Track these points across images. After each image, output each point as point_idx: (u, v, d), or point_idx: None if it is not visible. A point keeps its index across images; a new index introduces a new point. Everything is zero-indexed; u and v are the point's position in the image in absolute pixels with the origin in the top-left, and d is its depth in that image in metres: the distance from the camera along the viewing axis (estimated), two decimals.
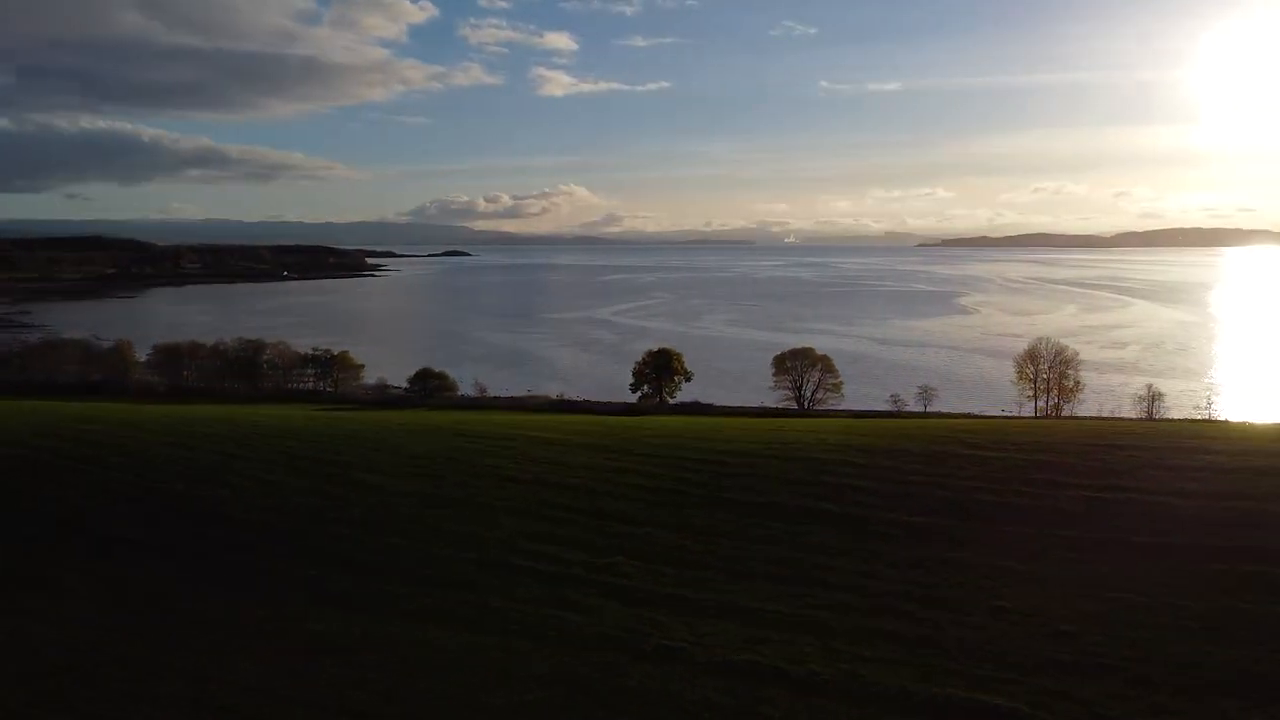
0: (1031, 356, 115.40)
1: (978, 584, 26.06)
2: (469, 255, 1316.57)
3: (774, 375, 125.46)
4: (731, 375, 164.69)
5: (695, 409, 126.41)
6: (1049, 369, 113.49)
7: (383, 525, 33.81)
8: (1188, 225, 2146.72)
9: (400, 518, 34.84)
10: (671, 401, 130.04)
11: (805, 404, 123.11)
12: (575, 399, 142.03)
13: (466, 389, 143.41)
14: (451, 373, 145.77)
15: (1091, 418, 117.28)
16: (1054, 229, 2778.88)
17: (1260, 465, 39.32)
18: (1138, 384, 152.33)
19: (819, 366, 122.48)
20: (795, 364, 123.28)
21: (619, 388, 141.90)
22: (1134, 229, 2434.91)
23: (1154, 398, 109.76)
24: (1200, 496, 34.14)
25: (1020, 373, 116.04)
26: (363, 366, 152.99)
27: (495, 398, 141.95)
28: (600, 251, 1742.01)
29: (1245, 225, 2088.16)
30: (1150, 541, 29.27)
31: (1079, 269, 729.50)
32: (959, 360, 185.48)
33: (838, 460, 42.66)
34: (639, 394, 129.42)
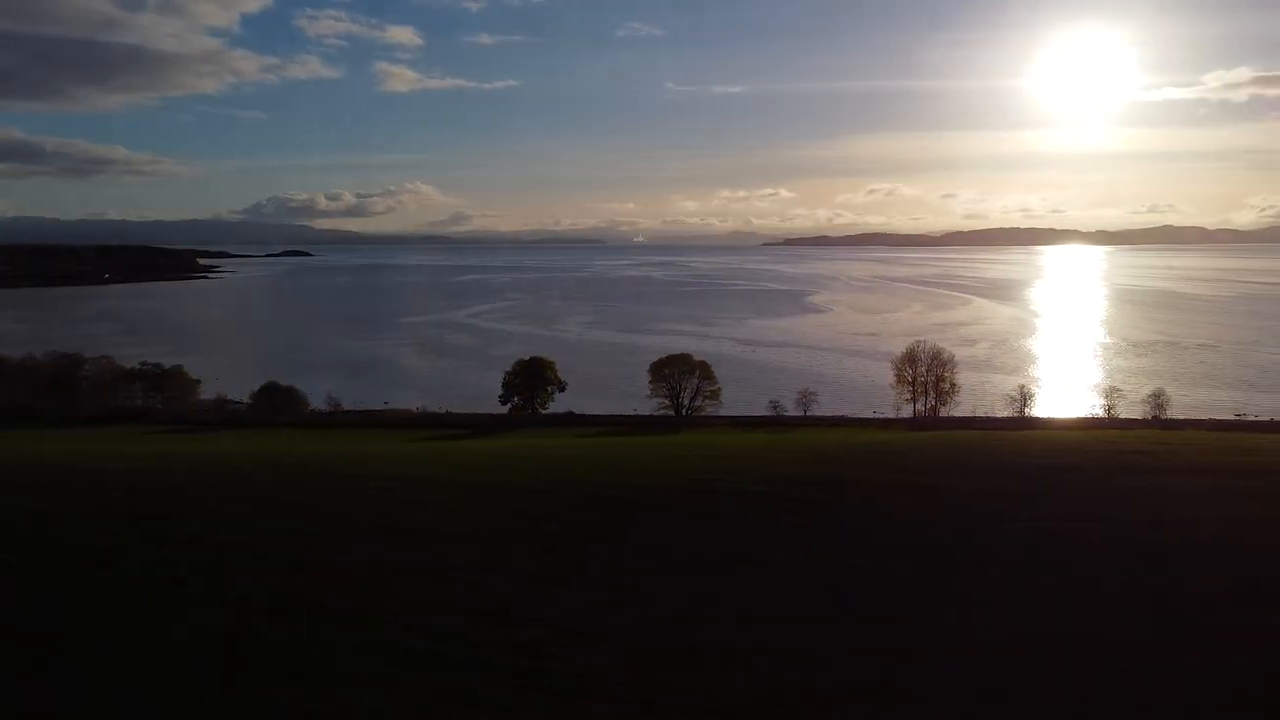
0: (910, 359, 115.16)
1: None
2: (310, 255, 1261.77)
3: (651, 383, 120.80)
4: (601, 381, 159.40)
5: (569, 420, 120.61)
6: (927, 371, 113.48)
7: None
8: (1008, 225, 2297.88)
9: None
10: (544, 412, 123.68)
11: (684, 412, 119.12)
12: (439, 411, 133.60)
13: (318, 403, 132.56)
14: (300, 386, 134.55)
15: (966, 418, 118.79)
16: (888, 228, 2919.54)
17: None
18: (999, 382, 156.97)
19: (697, 373, 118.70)
20: (672, 371, 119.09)
21: (487, 398, 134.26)
22: (961, 229, 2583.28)
23: (1025, 398, 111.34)
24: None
25: (899, 376, 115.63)
26: (198, 382, 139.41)
27: (350, 412, 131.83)
28: (450, 251, 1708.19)
29: (1058, 226, 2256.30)
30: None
31: (915, 267, 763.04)
32: (825, 361, 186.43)
33: (773, 495, 37.68)
34: (509, 405, 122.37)
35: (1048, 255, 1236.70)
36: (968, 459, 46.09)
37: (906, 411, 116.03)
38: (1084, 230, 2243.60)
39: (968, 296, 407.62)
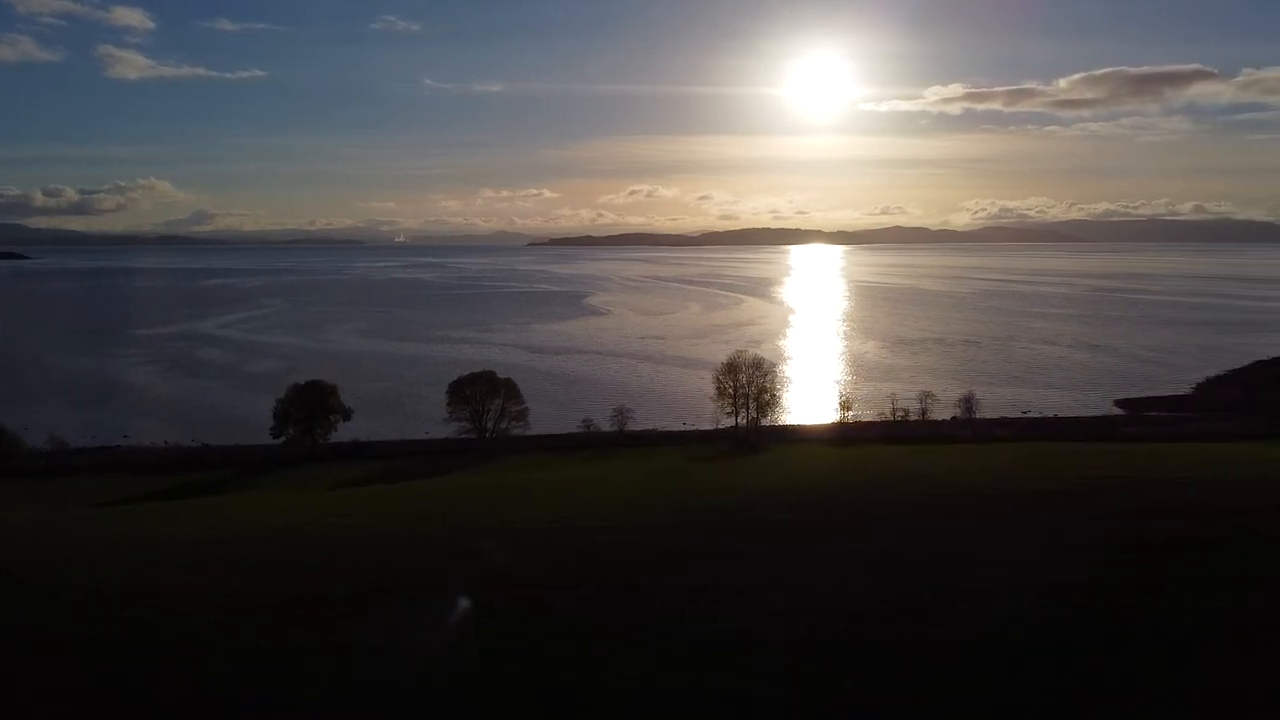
0: (730, 369, 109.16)
1: None
2: (25, 258, 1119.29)
3: (449, 405, 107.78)
4: (386, 401, 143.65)
5: (354, 450, 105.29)
6: (748, 382, 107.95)
7: None
8: (759, 226, 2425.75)
9: None
10: (325, 443, 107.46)
11: (488, 435, 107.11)
12: (192, 444, 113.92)
13: (37, 442, 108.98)
14: (9, 422, 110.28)
15: (791, 426, 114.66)
16: (649, 229, 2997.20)
17: None
18: (808, 387, 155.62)
19: (502, 393, 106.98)
20: (474, 391, 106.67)
21: (250, 427, 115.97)
22: (716, 229, 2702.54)
23: (845, 406, 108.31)
24: None
25: (720, 389, 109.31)
26: None
27: (82, 452, 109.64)
28: (192, 253, 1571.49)
29: (803, 226, 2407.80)
30: None
31: (681, 266, 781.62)
32: (628, 370, 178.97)
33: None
34: (284, 437, 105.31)
35: (795, 254, 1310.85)
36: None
37: (726, 424, 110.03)
38: (826, 230, 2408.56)
39: (739, 296, 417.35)
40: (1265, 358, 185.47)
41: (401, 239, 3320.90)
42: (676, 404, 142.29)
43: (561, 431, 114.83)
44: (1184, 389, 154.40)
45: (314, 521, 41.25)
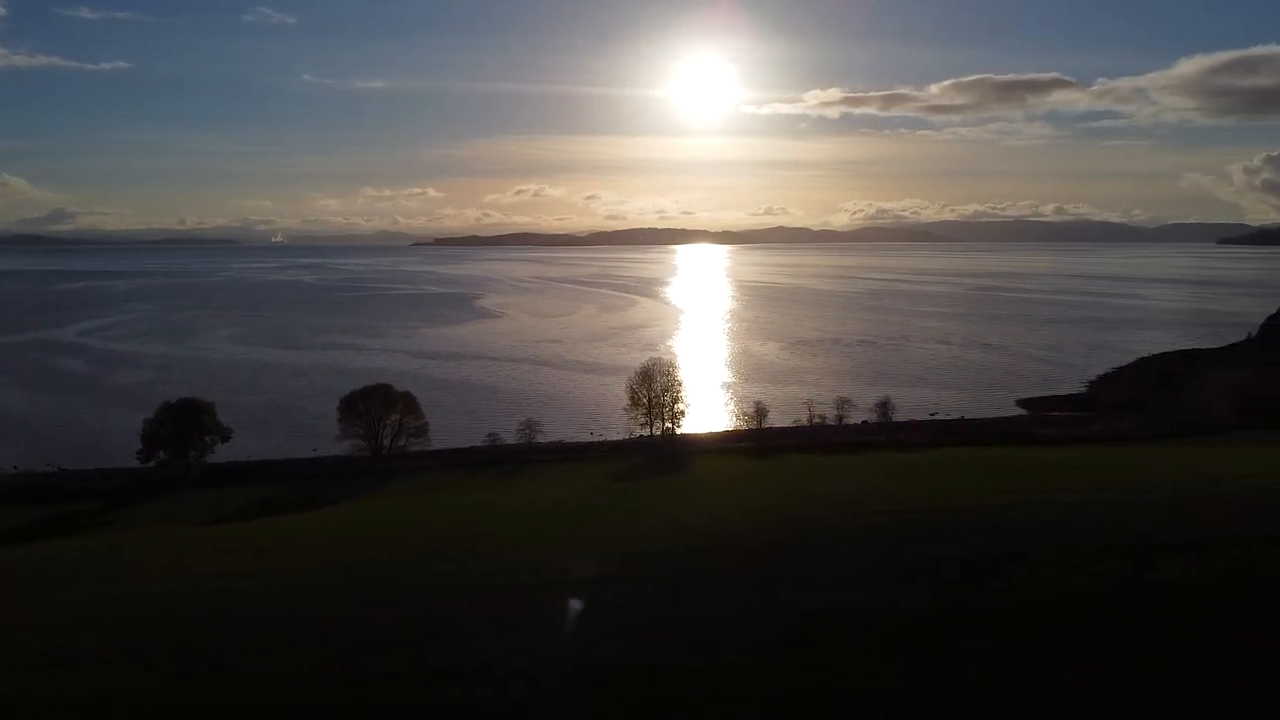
0: (645, 378, 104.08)
1: None
2: None
3: (341, 421, 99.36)
4: (270, 416, 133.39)
5: (235, 475, 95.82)
6: (663, 391, 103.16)
7: None
8: (646, 226, 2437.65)
9: None
10: (204, 462, 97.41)
11: (385, 452, 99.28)
12: (46, 469, 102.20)
13: None
14: None
15: (706, 434, 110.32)
16: (536, 228, 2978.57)
17: None
18: (711, 391, 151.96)
19: (400, 407, 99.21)
20: (369, 406, 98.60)
21: (115, 450, 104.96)
22: (603, 229, 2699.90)
23: (760, 414, 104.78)
24: None
25: (634, 398, 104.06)
26: None
27: None
28: (50, 254, 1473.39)
29: (689, 226, 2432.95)
30: None
31: (571, 266, 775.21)
32: (521, 376, 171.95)
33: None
34: (154, 461, 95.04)
35: (683, 253, 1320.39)
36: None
37: (640, 434, 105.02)
38: (712, 230, 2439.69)
39: (633, 297, 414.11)
40: (1146, 355, 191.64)
41: (279, 239, 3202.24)
42: (582, 412, 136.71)
43: (465, 445, 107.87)
44: (1079, 388, 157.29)
45: (185, 588, 34.13)
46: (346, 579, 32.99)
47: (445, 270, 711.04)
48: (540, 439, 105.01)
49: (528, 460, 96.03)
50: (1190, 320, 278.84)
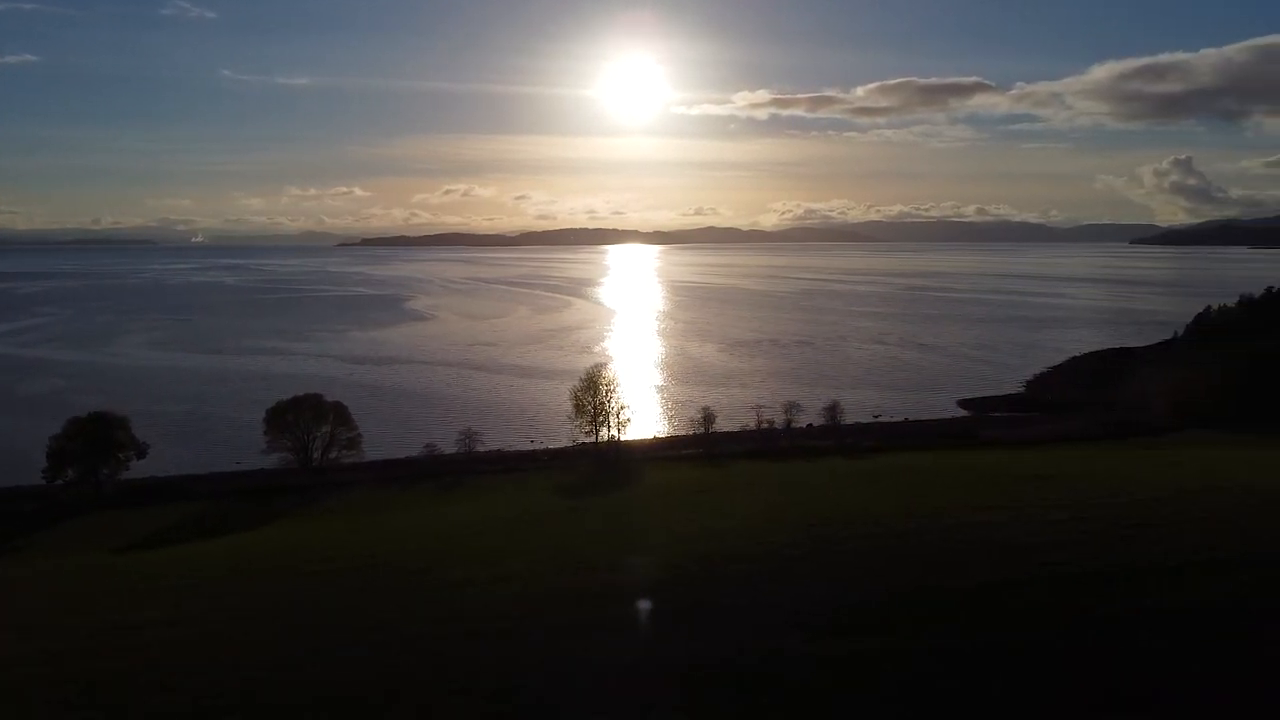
0: (589, 385, 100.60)
1: None
2: None
3: (268, 434, 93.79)
4: (191, 427, 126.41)
5: (152, 493, 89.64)
6: (608, 397, 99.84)
7: None
8: (576, 226, 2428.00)
9: None
10: (118, 479, 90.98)
11: (315, 465, 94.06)
12: None
13: None
14: None
15: (658, 439, 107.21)
16: (465, 228, 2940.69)
17: None
18: (653, 396, 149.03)
19: (331, 418, 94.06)
20: (298, 417, 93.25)
21: (21, 469, 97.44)
22: (534, 229, 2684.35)
23: (708, 419, 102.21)
24: None
25: (578, 406, 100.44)
26: None
27: None
28: None
29: (620, 226, 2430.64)
30: None
31: (502, 267, 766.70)
32: (456, 381, 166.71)
33: None
34: (61, 480, 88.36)
35: (614, 254, 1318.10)
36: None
37: (584, 441, 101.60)
38: (643, 230, 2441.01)
39: (566, 298, 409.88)
40: (1077, 354, 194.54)
41: (199, 239, 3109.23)
42: (522, 418, 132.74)
43: (401, 456, 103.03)
44: (1016, 388, 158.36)
45: (86, 643, 29.73)
46: (279, 629, 29.09)
47: (373, 271, 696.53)
48: (480, 448, 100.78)
49: (469, 471, 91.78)
50: (1114, 319, 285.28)
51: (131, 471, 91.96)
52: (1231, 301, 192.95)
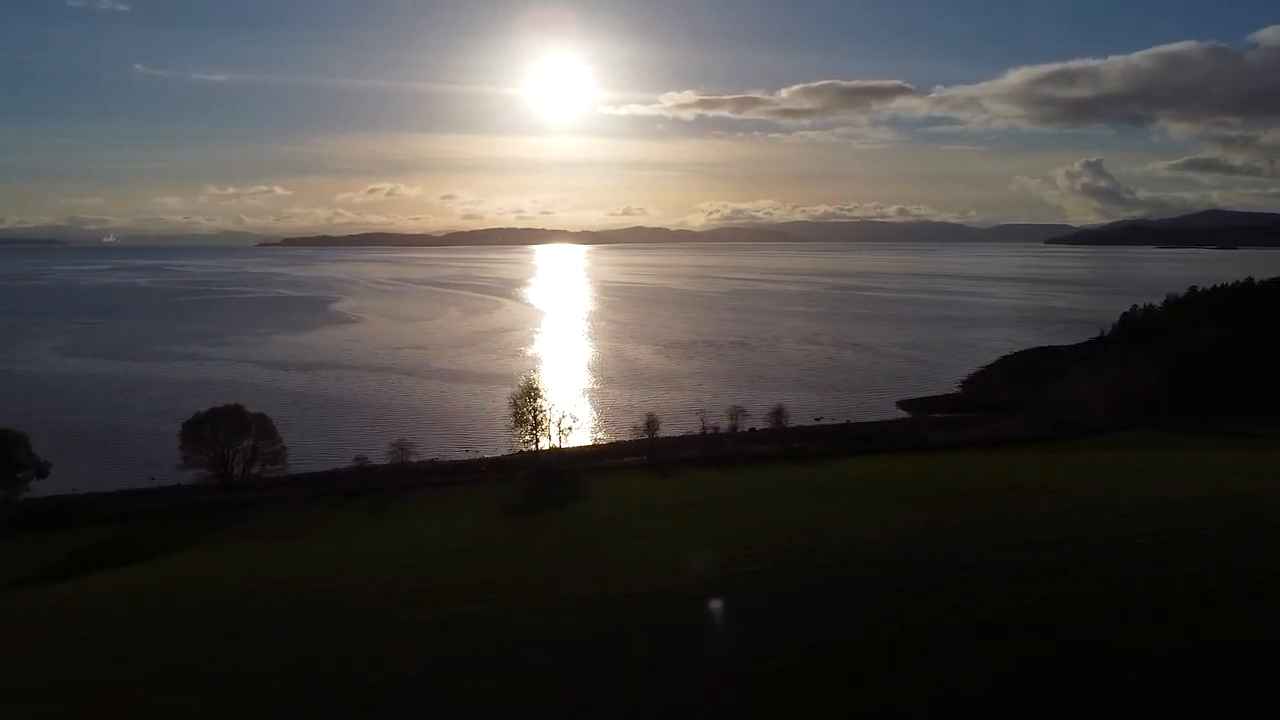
0: (528, 392, 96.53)
1: None
2: None
3: (184, 448, 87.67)
4: (100, 441, 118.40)
5: (52, 515, 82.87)
6: (549, 405, 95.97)
7: None
8: (504, 226, 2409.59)
9: None
10: (15, 502, 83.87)
11: (235, 481, 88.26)
12: None
13: None
14: None
15: (602, 446, 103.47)
16: (391, 228, 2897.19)
17: None
18: (593, 401, 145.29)
19: (253, 431, 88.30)
20: (216, 429, 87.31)
21: None
22: (461, 229, 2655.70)
23: (651, 425, 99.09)
24: None
25: (518, 415, 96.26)
26: None
27: None
28: None
29: (549, 226, 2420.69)
30: None
31: (429, 268, 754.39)
32: (386, 387, 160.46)
33: None
34: None
35: (543, 253, 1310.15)
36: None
37: (522, 449, 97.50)
38: (571, 230, 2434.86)
39: (496, 299, 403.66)
40: (1008, 353, 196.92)
41: (111, 239, 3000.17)
42: (455, 425, 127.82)
43: (328, 469, 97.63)
44: (953, 388, 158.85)
45: None
46: (191, 699, 24.74)
47: (296, 272, 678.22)
48: (414, 458, 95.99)
49: (402, 486, 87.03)
50: (1039, 318, 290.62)
51: (32, 491, 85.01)
52: (1151, 300, 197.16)
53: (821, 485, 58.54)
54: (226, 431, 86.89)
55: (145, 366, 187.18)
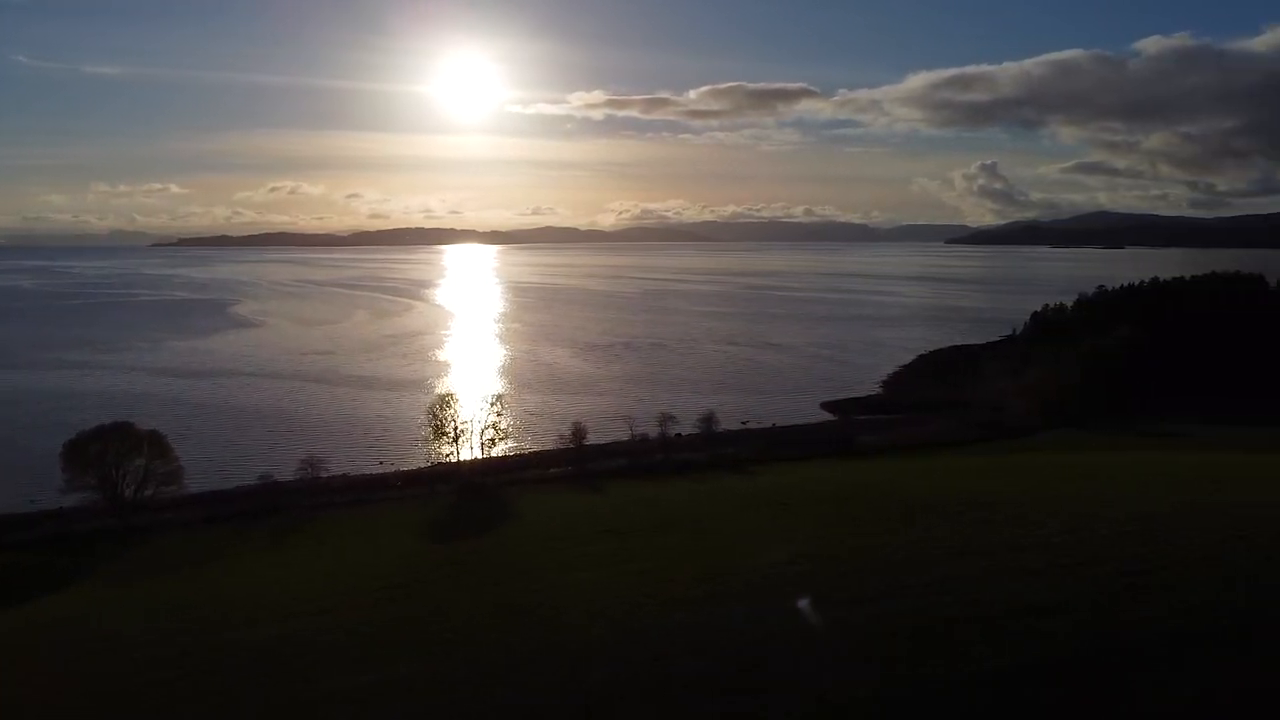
0: (446, 402, 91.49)
1: None
2: None
3: (67, 470, 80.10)
4: None
5: None
6: (469, 414, 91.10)
7: None
8: (412, 225, 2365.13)
9: None
10: None
11: (126, 504, 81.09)
12: None
13: None
14: None
15: (526, 454, 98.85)
16: (293, 228, 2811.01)
17: None
18: (509, 407, 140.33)
19: (145, 449, 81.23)
20: (105, 448, 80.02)
21: None
22: (367, 228, 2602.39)
23: (577, 434, 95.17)
24: None
25: (436, 425, 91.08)
26: None
27: None
28: None
29: (457, 226, 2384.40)
30: None
31: (335, 268, 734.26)
32: (291, 395, 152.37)
33: None
34: None
35: (452, 254, 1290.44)
36: None
37: (439, 461, 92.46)
38: (480, 230, 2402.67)
39: (406, 300, 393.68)
40: (923, 352, 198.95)
41: None
42: (368, 436, 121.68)
43: (229, 487, 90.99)
44: (874, 389, 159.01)
45: None
46: None
47: (193, 273, 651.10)
48: (324, 473, 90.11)
49: (313, 505, 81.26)
50: (947, 316, 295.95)
51: None
52: (1054, 299, 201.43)
53: (764, 500, 55.61)
54: (115, 451, 79.68)
55: (24, 375, 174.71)
